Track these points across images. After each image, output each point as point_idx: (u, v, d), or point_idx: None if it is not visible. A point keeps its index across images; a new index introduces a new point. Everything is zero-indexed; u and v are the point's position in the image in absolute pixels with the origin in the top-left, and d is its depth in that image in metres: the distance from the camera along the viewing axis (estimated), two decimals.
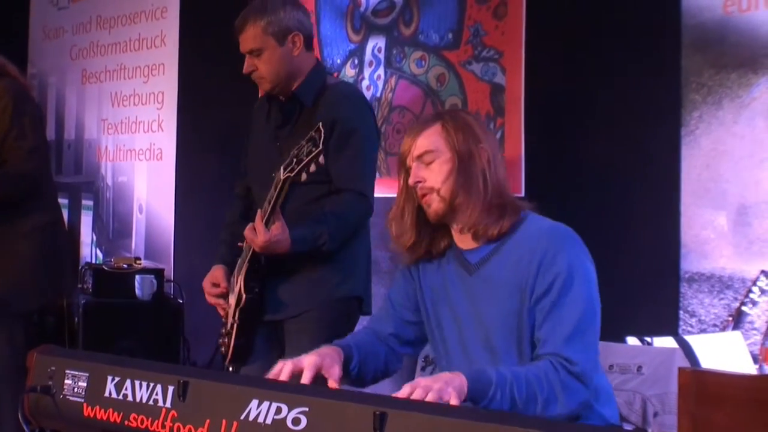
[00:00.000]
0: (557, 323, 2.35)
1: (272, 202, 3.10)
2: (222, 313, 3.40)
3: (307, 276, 3.33)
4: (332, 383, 2.33)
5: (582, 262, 2.43)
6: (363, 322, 3.24)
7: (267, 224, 3.11)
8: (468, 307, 2.50)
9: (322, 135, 2.97)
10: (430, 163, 2.48)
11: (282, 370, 2.31)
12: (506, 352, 2.43)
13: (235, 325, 3.30)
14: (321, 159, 3.00)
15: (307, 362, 2.32)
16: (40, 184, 4.09)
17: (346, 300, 3.38)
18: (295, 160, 3.03)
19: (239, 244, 3.31)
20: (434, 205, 2.49)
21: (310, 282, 3.33)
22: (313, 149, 2.98)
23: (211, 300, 3.41)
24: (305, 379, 2.28)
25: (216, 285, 3.38)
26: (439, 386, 2.11)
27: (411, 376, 3.98)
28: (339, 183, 3.32)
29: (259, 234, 3.10)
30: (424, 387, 2.10)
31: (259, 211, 3.15)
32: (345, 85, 3.54)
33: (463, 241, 2.54)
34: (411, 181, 2.50)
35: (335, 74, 5.37)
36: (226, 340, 3.33)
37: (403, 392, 2.09)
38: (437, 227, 2.55)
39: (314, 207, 3.32)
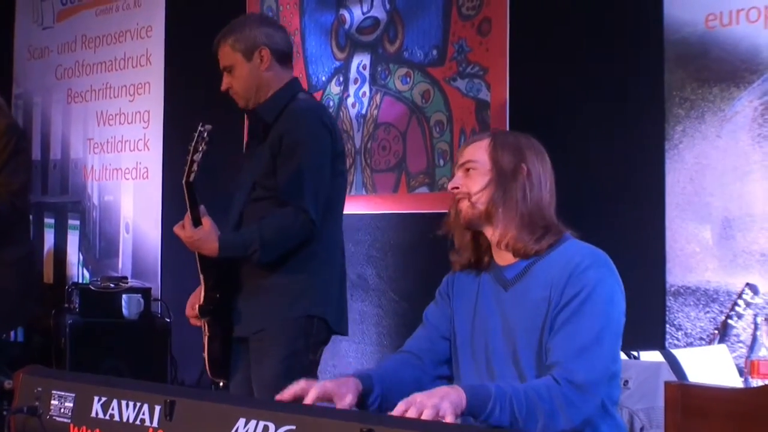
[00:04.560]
0: (571, 332, 2.34)
1: (187, 205, 3.18)
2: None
3: (266, 294, 3.35)
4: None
5: (611, 284, 2.42)
6: (337, 340, 3.27)
7: (195, 224, 3.17)
8: (499, 321, 2.49)
9: (200, 134, 3.10)
10: (470, 172, 2.52)
11: (294, 391, 2.29)
12: (528, 366, 2.42)
13: (206, 337, 3.36)
14: (196, 156, 3.09)
15: (318, 385, 2.30)
16: (27, 218, 4.36)
17: (303, 319, 3.35)
18: (187, 164, 3.14)
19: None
20: (464, 210, 2.51)
21: (268, 300, 3.35)
22: (190, 148, 3.11)
23: (192, 322, 3.44)
24: (308, 399, 2.26)
25: (194, 306, 3.41)
26: (433, 402, 2.09)
27: None
28: (281, 196, 3.33)
29: (186, 229, 3.18)
30: (419, 404, 2.08)
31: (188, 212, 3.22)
32: (305, 102, 3.50)
33: (502, 257, 2.54)
34: (449, 186, 2.54)
35: (319, 92, 5.38)
36: (204, 354, 3.39)
37: (398, 410, 2.08)
38: (483, 241, 2.57)
39: None
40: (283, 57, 3.48)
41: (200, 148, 3.11)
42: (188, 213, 3.19)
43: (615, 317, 2.40)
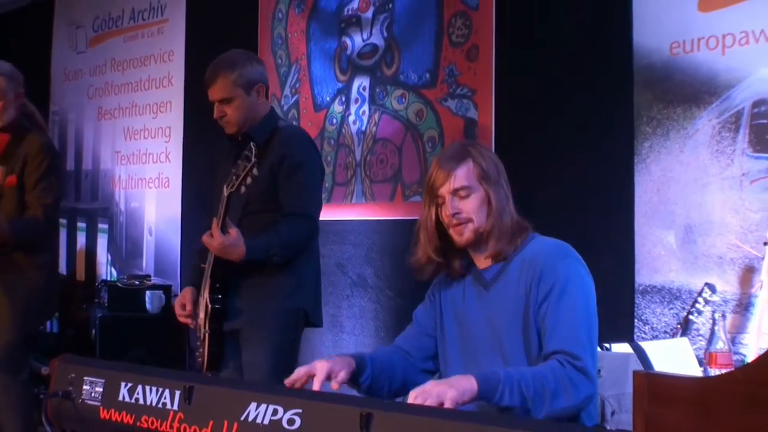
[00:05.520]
0: (559, 322, 2.33)
1: (222, 214, 3.26)
2: (191, 325, 3.51)
3: (260, 289, 3.42)
4: (334, 385, 2.31)
5: (579, 273, 2.42)
6: (309, 333, 3.31)
7: (222, 231, 3.24)
8: (484, 319, 2.48)
9: (254, 152, 3.22)
10: (465, 197, 2.48)
11: (300, 376, 2.29)
12: (515, 355, 2.41)
13: (207, 335, 3.40)
14: (255, 171, 3.25)
15: (319, 367, 2.31)
16: (56, 228, 4.43)
17: (293, 311, 3.47)
18: (234, 177, 3.26)
19: (202, 265, 3.43)
20: (467, 234, 2.48)
21: (262, 295, 3.42)
22: (247, 164, 3.22)
23: (180, 320, 3.53)
24: (316, 384, 2.26)
25: (183, 306, 3.50)
26: (439, 390, 2.09)
27: None
28: (289, 208, 3.42)
29: (216, 238, 3.23)
30: (426, 393, 2.08)
31: (214, 219, 3.28)
32: (293, 127, 3.77)
33: (480, 261, 2.54)
34: (449, 212, 2.47)
35: (324, 111, 5.39)
36: (201, 350, 3.42)
37: (410, 398, 2.09)
38: (453, 249, 2.55)
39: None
40: (268, 90, 3.60)
41: (246, 167, 3.23)
42: (216, 221, 3.25)
43: (590, 302, 2.41)
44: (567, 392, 2.24)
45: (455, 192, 2.48)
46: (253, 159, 3.23)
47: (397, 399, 2.55)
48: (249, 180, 3.27)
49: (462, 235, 2.49)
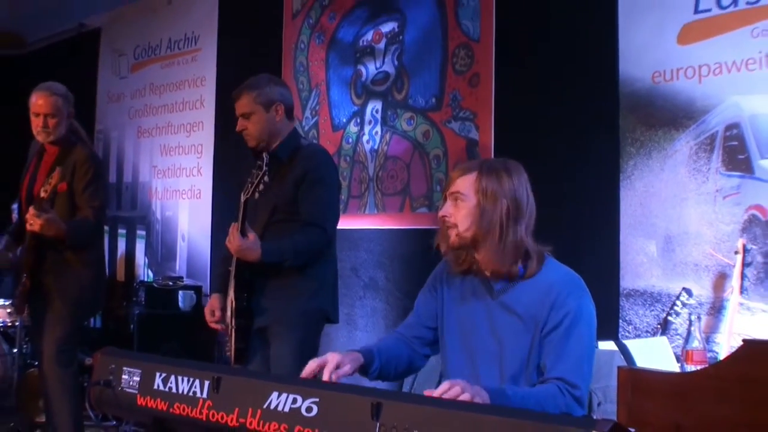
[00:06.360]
0: (565, 353, 2.28)
1: (240, 218, 3.27)
2: (221, 330, 3.53)
3: (285, 292, 3.43)
4: (334, 376, 2.28)
5: (588, 307, 2.35)
6: (327, 329, 3.35)
7: (242, 235, 3.26)
8: (486, 323, 2.42)
9: (266, 161, 3.27)
10: (458, 202, 2.41)
11: (313, 369, 2.26)
12: (512, 368, 2.37)
13: (233, 331, 3.40)
14: (266, 178, 3.28)
15: (330, 359, 2.28)
16: (103, 229, 4.47)
17: (314, 311, 3.48)
18: (248, 184, 3.29)
19: (229, 268, 3.44)
20: (452, 237, 2.42)
21: (287, 297, 3.43)
22: (259, 173, 3.26)
23: (211, 325, 3.56)
24: (326, 375, 2.25)
25: (212, 313, 3.53)
26: (473, 390, 2.06)
27: None
28: (306, 218, 3.43)
29: (234, 240, 3.26)
30: (461, 387, 2.05)
31: (233, 223, 3.30)
32: (315, 145, 3.77)
33: (489, 270, 2.45)
34: (440, 213, 2.45)
35: (341, 131, 5.40)
36: (229, 344, 3.43)
37: (442, 388, 2.05)
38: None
39: None
40: (290, 112, 3.61)
41: (258, 175, 3.26)
42: (235, 225, 3.26)
43: (593, 336, 2.36)
44: None
45: (452, 195, 2.43)
46: (264, 167, 3.26)
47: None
48: (261, 186, 3.29)
49: (449, 237, 2.43)
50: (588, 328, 2.34)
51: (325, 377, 2.25)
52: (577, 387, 2.25)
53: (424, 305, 2.62)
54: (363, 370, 2.42)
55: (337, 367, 2.28)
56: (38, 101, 4.13)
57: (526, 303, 2.37)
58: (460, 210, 2.41)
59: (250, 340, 3.44)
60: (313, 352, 3.40)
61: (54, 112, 4.12)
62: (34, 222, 3.84)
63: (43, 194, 3.89)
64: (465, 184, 2.41)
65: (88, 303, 4.30)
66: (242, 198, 3.30)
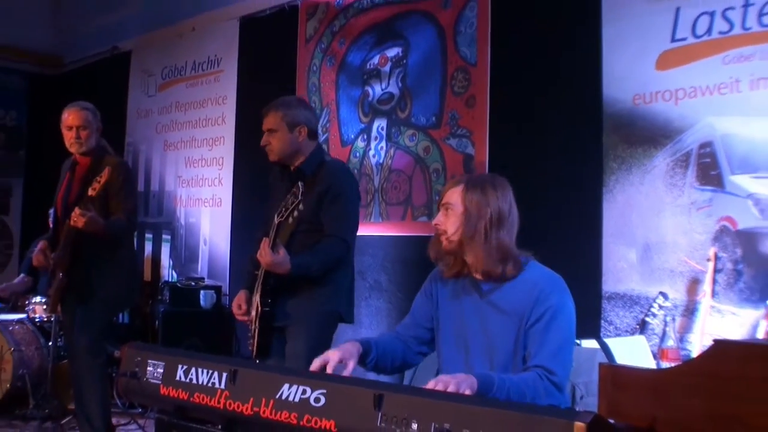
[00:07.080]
0: (545, 343, 2.32)
1: (272, 237, 3.29)
2: (246, 321, 3.51)
3: (304, 295, 3.42)
4: (345, 372, 2.31)
5: (567, 304, 2.39)
6: (358, 328, 3.29)
7: (272, 250, 3.26)
8: (477, 321, 2.46)
9: (301, 190, 3.24)
10: (448, 212, 2.47)
11: (317, 367, 2.28)
12: (501, 359, 2.39)
13: (256, 330, 3.41)
14: (300, 206, 3.24)
15: (332, 356, 2.31)
16: (134, 230, 4.47)
17: (330, 313, 3.48)
18: (284, 209, 3.28)
19: (255, 272, 3.44)
20: (444, 243, 2.48)
21: (305, 299, 3.42)
22: (295, 200, 3.24)
23: (238, 318, 3.55)
24: (329, 369, 2.26)
25: (239, 306, 3.53)
26: (457, 381, 2.08)
27: None
28: (328, 230, 3.43)
29: (266, 256, 3.26)
30: (445, 381, 2.08)
31: (264, 239, 3.31)
32: (338, 162, 3.72)
33: (478, 273, 2.49)
34: (433, 222, 2.51)
35: (349, 146, 5.40)
36: (252, 341, 3.44)
37: (430, 384, 2.07)
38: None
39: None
40: (313, 133, 3.58)
41: (294, 202, 3.25)
42: (266, 241, 3.28)
43: (572, 329, 2.39)
44: (541, 400, 2.24)
45: (443, 205, 2.50)
46: (299, 197, 3.24)
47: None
48: (296, 213, 3.26)
49: (441, 243, 2.49)
50: (567, 321, 2.37)
51: (329, 371, 2.26)
52: (555, 373, 2.28)
53: (420, 307, 2.65)
54: (361, 360, 2.44)
55: (340, 361, 2.30)
56: (70, 116, 4.21)
57: (512, 301, 2.41)
58: (450, 218, 2.47)
59: (271, 338, 3.44)
60: (325, 350, 3.40)
61: (85, 125, 4.19)
62: (78, 219, 3.87)
63: (91, 192, 3.97)
64: (454, 195, 2.48)
65: (121, 299, 4.32)
66: (276, 220, 3.31)
